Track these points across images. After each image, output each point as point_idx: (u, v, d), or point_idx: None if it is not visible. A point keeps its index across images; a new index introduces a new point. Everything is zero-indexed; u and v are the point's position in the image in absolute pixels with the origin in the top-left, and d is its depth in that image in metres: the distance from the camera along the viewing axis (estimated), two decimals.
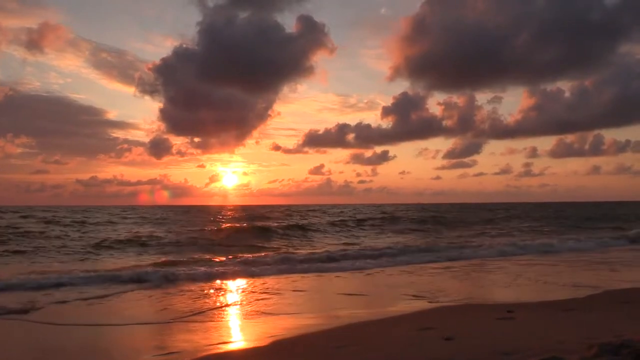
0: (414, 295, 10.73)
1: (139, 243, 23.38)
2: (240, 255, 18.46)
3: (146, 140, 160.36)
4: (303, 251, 20.92)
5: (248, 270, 14.72)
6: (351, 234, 32.11)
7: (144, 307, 10.14)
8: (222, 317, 9.04)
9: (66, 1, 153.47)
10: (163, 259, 17.88)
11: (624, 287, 11.28)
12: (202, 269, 14.64)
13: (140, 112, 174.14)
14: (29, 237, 25.02)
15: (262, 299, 10.59)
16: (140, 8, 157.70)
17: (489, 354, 5.36)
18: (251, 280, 13.37)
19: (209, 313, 9.29)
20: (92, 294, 11.14)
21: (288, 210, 72.04)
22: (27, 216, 46.61)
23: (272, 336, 7.37)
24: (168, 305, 10.10)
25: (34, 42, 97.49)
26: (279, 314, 9.12)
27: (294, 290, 11.73)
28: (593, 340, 5.35)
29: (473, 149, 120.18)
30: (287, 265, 15.90)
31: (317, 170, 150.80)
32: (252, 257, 17.76)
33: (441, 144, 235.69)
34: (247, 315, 9.18)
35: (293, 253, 19.72)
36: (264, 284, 12.75)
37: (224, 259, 17.27)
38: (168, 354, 6.49)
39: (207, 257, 18.19)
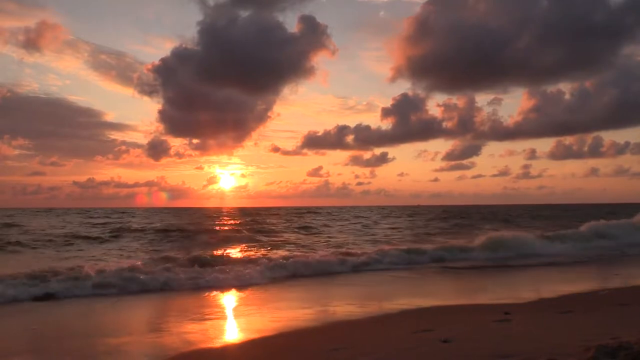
0: None
1: None
2: None
3: (144, 142, 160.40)
4: None
5: None
6: None
7: None
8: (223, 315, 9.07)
9: (65, 3, 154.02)
10: None
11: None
12: None
13: (138, 114, 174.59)
14: None
15: None
16: (139, 10, 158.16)
17: (487, 357, 5.32)
18: None
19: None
20: None
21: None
22: None
23: (263, 335, 7.36)
24: None
25: (32, 42, 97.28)
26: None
27: None
28: (590, 343, 5.32)
29: (472, 150, 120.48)
30: None
31: (315, 172, 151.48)
32: None
33: (440, 145, 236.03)
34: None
35: None
36: None
37: None
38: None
39: None
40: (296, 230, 35.11)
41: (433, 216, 57.75)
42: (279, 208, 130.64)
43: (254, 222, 46.14)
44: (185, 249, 20.26)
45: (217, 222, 47.63)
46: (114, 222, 43.59)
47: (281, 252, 19.66)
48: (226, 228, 37.88)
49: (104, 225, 37.41)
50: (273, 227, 37.54)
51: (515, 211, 76.94)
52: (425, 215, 60.77)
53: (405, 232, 33.27)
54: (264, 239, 27.37)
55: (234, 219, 54.94)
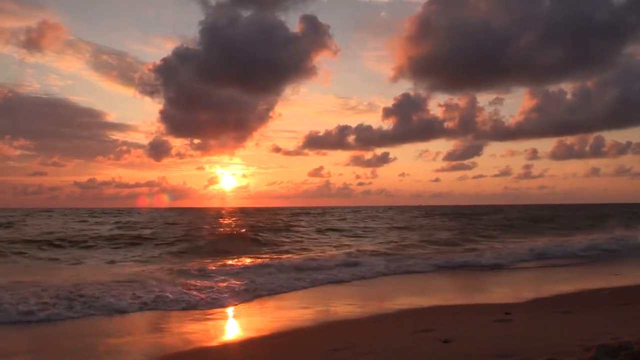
0: None
1: None
2: None
3: (145, 142, 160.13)
4: None
5: None
6: None
7: None
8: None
9: (66, 3, 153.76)
10: None
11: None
12: None
13: (139, 114, 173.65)
14: None
15: None
16: (140, 10, 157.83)
17: (487, 357, 5.32)
18: None
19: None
20: None
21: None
22: None
23: (261, 334, 7.35)
24: None
25: (33, 42, 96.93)
26: None
27: None
28: (591, 343, 5.31)
29: (474, 150, 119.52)
30: None
31: (316, 172, 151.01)
32: None
33: (442, 145, 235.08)
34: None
35: None
36: None
37: None
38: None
39: None
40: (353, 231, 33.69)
41: (452, 216, 57.85)
42: (280, 208, 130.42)
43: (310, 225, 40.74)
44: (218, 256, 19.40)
45: (237, 224, 44.67)
46: (127, 223, 42.86)
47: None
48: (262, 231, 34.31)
49: (120, 226, 36.43)
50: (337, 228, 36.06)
51: (520, 210, 77.08)
52: (439, 215, 60.76)
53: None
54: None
55: (256, 220, 52.34)
